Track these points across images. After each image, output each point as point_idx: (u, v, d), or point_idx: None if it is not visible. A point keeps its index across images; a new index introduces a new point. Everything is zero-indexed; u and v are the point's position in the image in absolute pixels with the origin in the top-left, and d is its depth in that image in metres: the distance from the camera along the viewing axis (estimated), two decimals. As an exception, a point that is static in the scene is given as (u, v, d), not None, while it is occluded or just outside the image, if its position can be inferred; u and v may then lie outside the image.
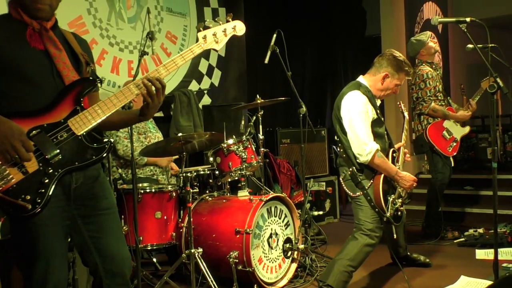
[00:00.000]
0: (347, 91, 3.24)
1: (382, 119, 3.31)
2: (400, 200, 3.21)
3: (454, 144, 4.56)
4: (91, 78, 1.94)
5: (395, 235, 3.39)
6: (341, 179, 3.32)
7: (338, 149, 3.30)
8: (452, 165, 4.60)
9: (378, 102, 3.37)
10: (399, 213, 3.21)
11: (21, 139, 1.69)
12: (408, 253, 3.79)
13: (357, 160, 3.13)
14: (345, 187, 3.27)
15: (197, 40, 2.06)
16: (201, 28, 2.07)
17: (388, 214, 3.10)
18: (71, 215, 1.88)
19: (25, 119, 1.75)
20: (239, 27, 2.15)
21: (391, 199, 3.14)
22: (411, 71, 3.31)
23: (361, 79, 3.32)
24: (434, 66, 4.66)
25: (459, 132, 4.61)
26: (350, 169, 3.18)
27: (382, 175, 3.12)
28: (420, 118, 4.59)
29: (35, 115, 1.78)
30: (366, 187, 3.13)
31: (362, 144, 3.08)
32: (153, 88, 1.91)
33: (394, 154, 3.32)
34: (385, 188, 3.14)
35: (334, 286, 3.02)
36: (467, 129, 4.70)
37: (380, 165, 3.10)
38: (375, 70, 3.29)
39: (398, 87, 3.33)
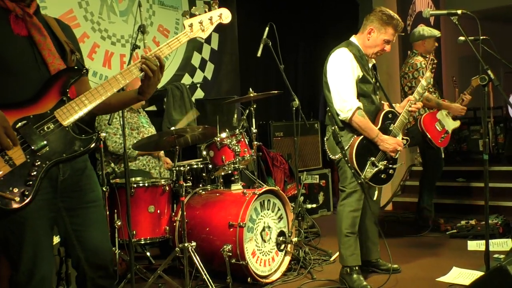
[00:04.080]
0: (335, 49, 3.23)
1: (372, 79, 3.25)
2: (383, 163, 3.15)
3: (445, 136, 4.58)
4: (76, 67, 1.91)
5: (374, 197, 3.33)
6: (325, 139, 3.32)
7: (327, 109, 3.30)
8: (443, 156, 4.63)
9: (373, 61, 3.31)
10: (383, 175, 3.18)
11: (3, 125, 1.66)
12: (379, 259, 3.53)
13: (339, 117, 3.14)
14: (327, 149, 3.27)
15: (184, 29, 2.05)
16: (187, 16, 2.06)
17: (363, 176, 3.09)
18: (57, 208, 1.87)
19: (11, 110, 1.72)
20: (225, 15, 2.15)
21: (370, 161, 3.11)
22: (399, 25, 3.20)
23: (353, 38, 3.29)
24: (427, 59, 4.68)
25: (450, 124, 4.64)
26: (333, 128, 3.19)
27: (361, 136, 3.11)
28: None
29: (21, 107, 1.75)
30: (345, 148, 3.13)
31: (343, 101, 3.09)
32: (153, 65, 1.91)
33: (390, 115, 3.26)
34: (366, 149, 3.11)
35: (349, 264, 3.18)
36: (457, 122, 4.73)
37: (360, 124, 3.08)
38: (363, 27, 3.26)
39: (389, 44, 3.22)
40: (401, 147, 3.18)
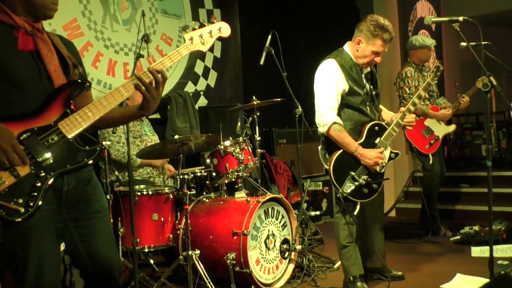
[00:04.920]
0: (324, 59, 3.21)
1: (363, 90, 3.15)
2: (365, 177, 3.08)
3: (434, 142, 4.59)
4: (79, 80, 1.93)
5: (355, 212, 3.16)
6: (319, 148, 3.28)
7: None
8: (430, 162, 4.60)
9: (368, 69, 3.25)
10: (365, 190, 3.10)
11: (11, 144, 1.68)
12: (384, 266, 3.44)
13: (318, 130, 3.14)
14: (322, 160, 3.24)
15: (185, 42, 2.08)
16: (187, 30, 2.10)
17: (341, 190, 3.04)
18: (63, 218, 1.88)
19: (15, 122, 1.74)
20: (224, 29, 2.18)
21: (349, 176, 3.06)
22: (388, 37, 3.09)
23: (346, 46, 3.25)
24: (420, 68, 4.68)
25: (441, 130, 4.66)
26: (322, 138, 3.19)
27: (341, 150, 3.08)
28: None
29: (25, 119, 1.78)
30: (328, 162, 3.11)
31: (320, 115, 3.09)
32: (152, 79, 1.93)
33: (376, 128, 3.17)
34: (346, 163, 3.07)
35: (352, 274, 3.18)
36: (451, 127, 4.75)
37: (336, 138, 3.05)
38: (354, 36, 3.21)
39: (379, 55, 3.14)
40: (383, 160, 3.09)
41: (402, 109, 3.22)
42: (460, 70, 8.37)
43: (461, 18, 2.76)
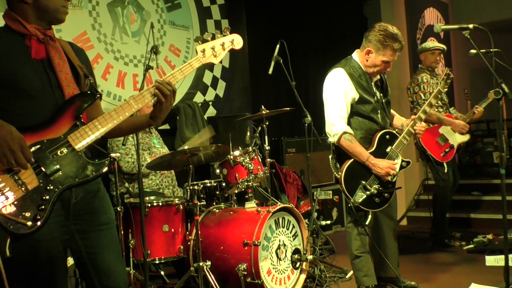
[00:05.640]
0: (332, 68, 3.19)
1: (373, 98, 3.13)
2: (376, 186, 3.05)
3: (449, 150, 4.54)
4: (89, 92, 1.92)
5: (368, 221, 3.13)
6: (330, 157, 3.25)
7: None
8: (445, 171, 4.56)
9: (378, 77, 3.23)
10: (377, 199, 3.07)
11: (21, 144, 1.67)
12: (398, 276, 3.35)
13: (329, 140, 3.11)
14: (333, 169, 3.21)
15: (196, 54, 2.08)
16: (199, 42, 2.09)
17: (352, 200, 3.01)
18: (70, 230, 1.87)
19: (25, 134, 1.73)
20: (236, 41, 2.18)
21: (361, 185, 3.03)
22: (398, 46, 3.08)
23: (354, 54, 3.22)
24: (434, 74, 4.69)
25: (457, 138, 4.60)
26: (333, 148, 3.17)
27: (351, 159, 3.05)
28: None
29: (35, 131, 1.77)
30: (339, 171, 3.08)
31: (330, 124, 3.06)
32: (166, 90, 1.94)
33: (387, 136, 3.14)
34: (357, 172, 3.04)
35: (365, 285, 3.16)
36: (466, 137, 4.67)
37: (347, 148, 3.03)
38: (362, 45, 3.18)
39: (389, 64, 3.13)
40: (395, 170, 3.06)
41: (414, 116, 3.20)
42: (470, 78, 8.33)
43: (471, 26, 2.75)
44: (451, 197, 4.75)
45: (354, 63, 3.17)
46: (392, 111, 3.40)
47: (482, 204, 5.66)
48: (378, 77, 3.26)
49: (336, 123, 3.05)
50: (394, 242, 3.40)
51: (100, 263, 1.93)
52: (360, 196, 3.04)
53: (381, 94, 3.25)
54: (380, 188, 3.07)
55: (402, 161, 3.19)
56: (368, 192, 3.05)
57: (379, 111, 3.18)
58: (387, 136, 3.15)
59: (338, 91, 3.08)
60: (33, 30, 1.83)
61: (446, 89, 3.42)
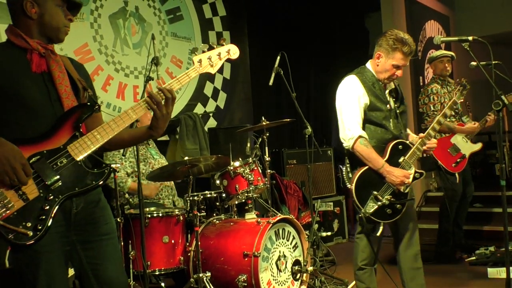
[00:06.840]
0: (345, 76, 3.18)
1: (385, 106, 3.08)
2: (388, 197, 2.96)
3: (461, 160, 4.51)
4: (89, 103, 1.95)
5: (378, 232, 3.02)
6: (343, 167, 3.19)
7: None
8: (457, 181, 4.54)
9: (392, 85, 3.18)
10: (389, 210, 2.99)
11: (21, 162, 1.70)
12: None
13: (343, 146, 3.06)
14: (345, 179, 3.14)
15: (193, 64, 2.10)
16: (196, 53, 2.12)
17: (363, 210, 2.94)
18: (71, 241, 1.88)
19: (25, 145, 1.76)
20: (233, 51, 2.19)
21: (372, 195, 2.96)
22: (407, 50, 3.03)
23: (368, 63, 3.20)
24: (446, 83, 4.69)
25: (468, 148, 4.57)
26: (346, 158, 3.13)
27: (365, 167, 2.99)
28: None
29: (35, 142, 1.79)
30: (351, 180, 3.02)
31: (346, 129, 3.02)
32: (163, 97, 1.94)
33: (400, 146, 3.06)
34: (369, 182, 2.97)
35: None
36: (478, 146, 4.63)
37: (362, 153, 2.96)
38: (374, 52, 3.16)
39: (400, 69, 3.07)
40: (409, 180, 3.00)
41: (422, 135, 3.11)
42: (471, 90, 8.29)
43: (470, 38, 2.75)
44: (467, 209, 4.70)
45: (367, 72, 3.16)
46: (408, 130, 3.34)
47: (484, 216, 5.62)
48: (393, 86, 3.23)
49: (352, 127, 3.01)
50: (413, 260, 3.21)
51: (101, 273, 1.93)
52: (371, 207, 2.98)
53: (396, 105, 3.21)
54: (392, 199, 3.03)
55: (415, 172, 3.14)
56: (379, 203, 2.97)
57: (391, 120, 3.12)
58: (400, 146, 3.08)
59: (352, 97, 3.07)
60: (35, 45, 1.87)
61: (461, 100, 3.37)
